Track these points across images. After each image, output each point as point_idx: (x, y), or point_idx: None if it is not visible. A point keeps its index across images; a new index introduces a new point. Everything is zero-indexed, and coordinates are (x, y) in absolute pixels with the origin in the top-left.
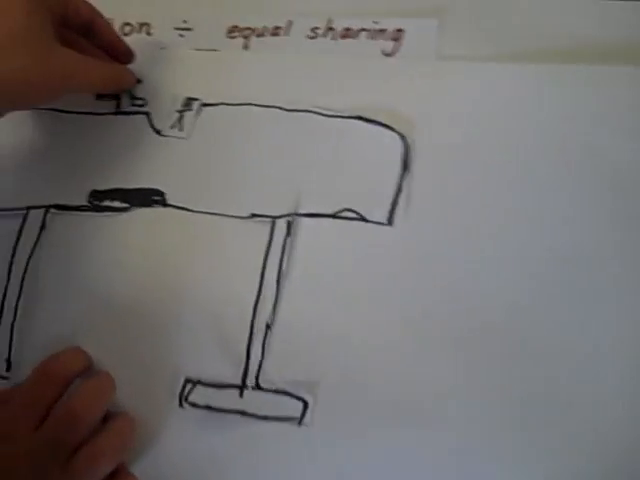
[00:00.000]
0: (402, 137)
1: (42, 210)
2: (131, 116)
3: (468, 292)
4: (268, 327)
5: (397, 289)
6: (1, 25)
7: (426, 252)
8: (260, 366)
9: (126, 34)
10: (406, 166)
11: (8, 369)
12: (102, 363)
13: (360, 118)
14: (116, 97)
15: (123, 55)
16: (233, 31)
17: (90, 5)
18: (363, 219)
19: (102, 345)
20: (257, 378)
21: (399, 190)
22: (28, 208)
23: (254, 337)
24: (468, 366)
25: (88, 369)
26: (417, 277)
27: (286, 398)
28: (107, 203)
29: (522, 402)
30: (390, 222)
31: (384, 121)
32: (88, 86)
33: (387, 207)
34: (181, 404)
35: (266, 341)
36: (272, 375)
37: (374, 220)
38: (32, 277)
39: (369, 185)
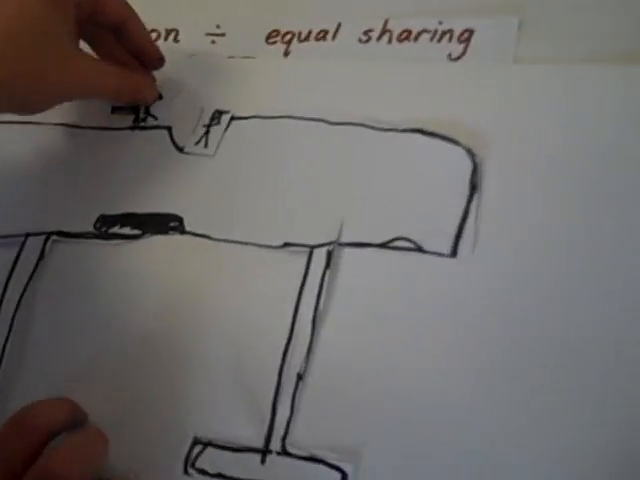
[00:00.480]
0: (470, 153)
1: (42, 237)
2: (150, 131)
3: (544, 340)
4: (299, 377)
5: (460, 335)
6: (17, 22)
7: (497, 291)
8: (288, 425)
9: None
10: (474, 187)
11: None
12: (98, 416)
13: (420, 132)
14: (134, 110)
15: (152, 60)
16: (272, 36)
17: (124, 3)
18: (420, 250)
19: (100, 395)
20: (284, 440)
21: (465, 215)
22: (27, 235)
23: (282, 389)
24: (540, 421)
25: (78, 423)
26: (485, 321)
27: (320, 467)
28: (116, 230)
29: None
30: (454, 254)
31: (448, 135)
32: (102, 95)
33: (450, 236)
34: (186, 471)
35: (297, 395)
36: (303, 437)
37: (434, 251)
38: (24, 315)
39: (428, 209)
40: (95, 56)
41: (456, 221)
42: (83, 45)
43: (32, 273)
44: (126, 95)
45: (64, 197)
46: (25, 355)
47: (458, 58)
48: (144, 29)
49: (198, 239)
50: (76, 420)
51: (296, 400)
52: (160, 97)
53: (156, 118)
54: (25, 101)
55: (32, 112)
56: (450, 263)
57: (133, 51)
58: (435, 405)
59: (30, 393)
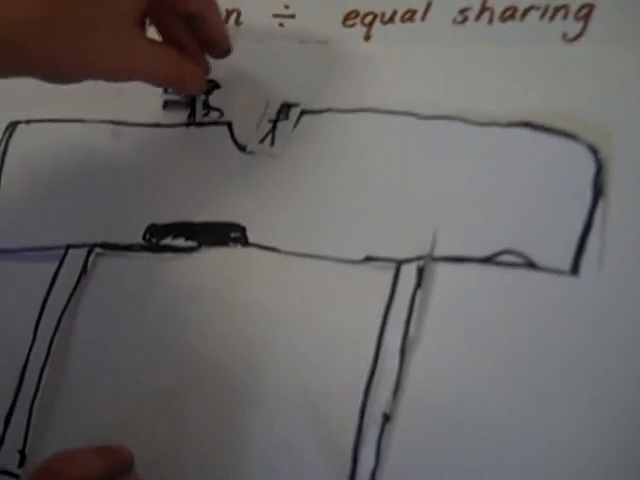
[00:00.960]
0: (593, 150)
1: (84, 250)
2: (208, 128)
3: None
4: (386, 418)
5: (582, 369)
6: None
7: (628, 316)
8: (373, 476)
9: None
10: (599, 191)
11: (21, 464)
12: (144, 461)
13: (528, 125)
14: (189, 104)
15: (220, 51)
16: (351, 17)
17: None
18: (532, 265)
19: (148, 435)
20: None
21: (589, 225)
22: (67, 247)
23: (365, 432)
24: None
25: (120, 474)
26: (614, 352)
27: None
28: (169, 241)
29: None
30: (575, 271)
31: (564, 128)
32: (149, 80)
33: (571, 250)
34: None
35: (383, 439)
36: None
37: (550, 267)
38: (64, 338)
39: (541, 218)
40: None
41: (577, 232)
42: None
43: (73, 291)
44: (174, 81)
45: (109, 204)
46: (63, 387)
47: (575, 39)
48: (221, 21)
49: (263, 252)
50: (117, 470)
51: (382, 446)
52: (217, 86)
53: (221, 113)
54: (59, 70)
55: (63, 82)
56: (570, 282)
57: (202, 39)
58: (551, 449)
59: (68, 432)
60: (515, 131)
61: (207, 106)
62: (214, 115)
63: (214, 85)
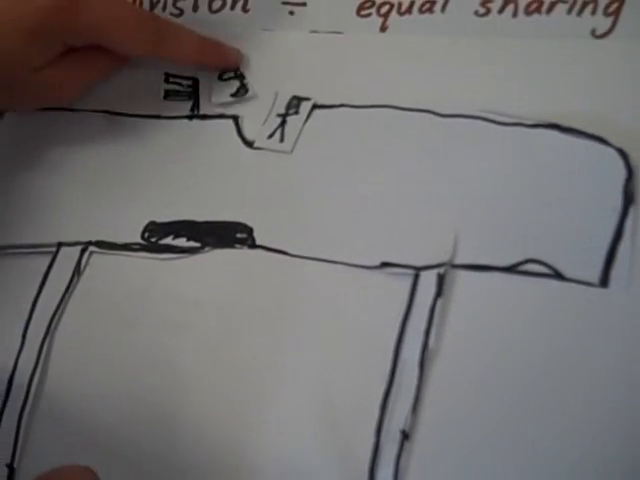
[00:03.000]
0: (623, 155)
1: (78, 248)
2: (212, 121)
3: None
4: (405, 436)
5: (613, 385)
6: None
7: None
8: None
9: (214, 11)
10: (630, 198)
11: (10, 478)
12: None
13: (555, 127)
14: (192, 95)
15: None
16: (366, 7)
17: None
18: (558, 276)
19: (145, 451)
20: None
21: (619, 234)
22: (59, 245)
23: (382, 451)
24: None
25: None
26: None
27: None
28: (169, 241)
29: None
30: (604, 283)
31: (594, 132)
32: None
33: (600, 260)
34: None
35: (401, 458)
36: None
37: (577, 279)
38: (56, 343)
39: (569, 226)
40: None
41: (607, 241)
42: None
43: (65, 292)
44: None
45: (105, 200)
46: (54, 395)
47: (605, 35)
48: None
49: (272, 255)
50: None
51: (401, 465)
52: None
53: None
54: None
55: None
56: (600, 295)
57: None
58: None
59: (59, 444)
60: (542, 133)
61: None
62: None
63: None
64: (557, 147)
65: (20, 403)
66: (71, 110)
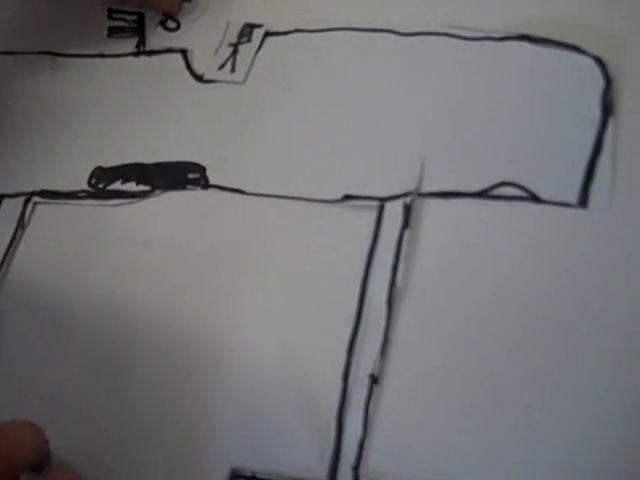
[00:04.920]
0: (599, 63)
1: (21, 199)
2: (160, 56)
3: None
4: (374, 380)
5: (592, 311)
6: None
7: None
8: (361, 448)
9: None
10: (609, 109)
11: None
12: (94, 444)
13: (526, 38)
14: (137, 30)
15: None
16: None
17: None
18: (534, 198)
19: (96, 414)
20: (356, 470)
21: (597, 149)
22: (1, 197)
23: (349, 398)
24: None
25: (44, 461)
26: (628, 294)
27: None
28: (118, 186)
29: None
30: (583, 203)
31: (567, 40)
32: None
33: (578, 178)
34: None
35: (370, 405)
36: (382, 464)
37: (555, 200)
38: (4, 299)
39: (544, 143)
40: None
41: (585, 158)
42: None
43: (9, 245)
44: None
45: (48, 146)
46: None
47: None
48: None
49: (227, 194)
50: (44, 456)
51: (370, 413)
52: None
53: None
54: None
55: None
56: (579, 216)
57: None
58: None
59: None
60: (512, 45)
61: (163, 23)
62: (171, 26)
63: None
64: (528, 59)
65: None
66: (13, 53)
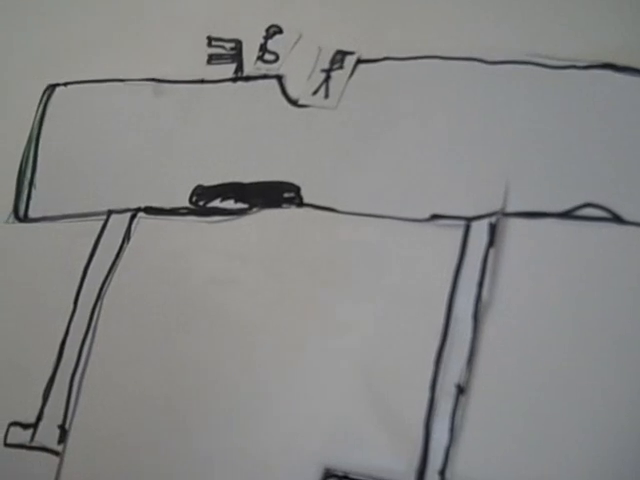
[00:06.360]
0: None
1: (127, 215)
2: (256, 82)
3: None
4: (460, 390)
5: None
6: None
7: None
8: (447, 454)
9: None
10: None
11: (62, 440)
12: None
13: (610, 67)
14: (236, 58)
15: None
16: None
17: None
18: (618, 220)
19: (201, 412)
20: (442, 474)
21: None
22: (109, 212)
23: (437, 406)
24: None
25: None
26: None
27: None
28: (217, 204)
29: None
30: None
31: None
32: None
33: None
34: None
35: (457, 414)
36: (467, 469)
37: (637, 221)
38: (107, 308)
39: (627, 167)
40: None
41: None
42: None
43: (116, 257)
44: None
45: (153, 166)
46: (104, 359)
47: None
48: None
49: (320, 213)
50: None
51: (456, 420)
52: (280, 31)
53: (277, 57)
54: None
55: None
56: None
57: None
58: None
59: (108, 407)
60: (596, 74)
61: (264, 48)
62: (269, 58)
63: (276, 30)
64: (612, 87)
65: (72, 367)
66: (120, 80)
